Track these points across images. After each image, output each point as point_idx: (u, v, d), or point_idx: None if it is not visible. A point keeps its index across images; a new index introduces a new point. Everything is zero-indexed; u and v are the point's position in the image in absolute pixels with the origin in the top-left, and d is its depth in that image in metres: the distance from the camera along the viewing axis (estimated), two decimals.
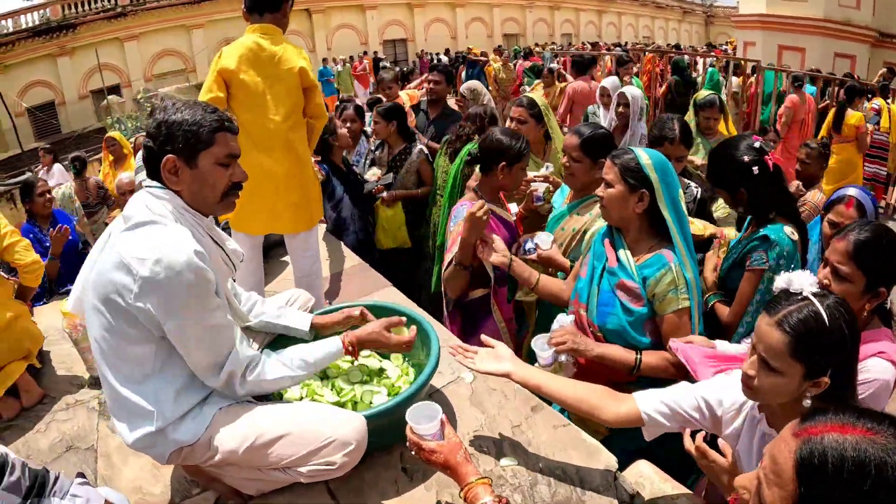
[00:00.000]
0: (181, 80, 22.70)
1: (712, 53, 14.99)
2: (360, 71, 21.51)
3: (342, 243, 4.58)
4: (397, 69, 11.90)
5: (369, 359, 2.43)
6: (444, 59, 22.29)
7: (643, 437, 1.92)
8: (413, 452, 1.79)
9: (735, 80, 10.01)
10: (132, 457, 2.34)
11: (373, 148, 5.02)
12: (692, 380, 1.97)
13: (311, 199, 3.45)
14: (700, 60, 11.65)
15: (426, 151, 4.64)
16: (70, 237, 4.53)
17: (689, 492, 2.03)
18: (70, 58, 24.59)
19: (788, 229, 2.41)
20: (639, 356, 2.22)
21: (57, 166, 8.65)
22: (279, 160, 3.20)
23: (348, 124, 4.91)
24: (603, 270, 2.36)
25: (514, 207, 3.26)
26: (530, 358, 2.39)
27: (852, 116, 7.25)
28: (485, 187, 3.00)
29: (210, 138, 1.81)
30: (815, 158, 4.48)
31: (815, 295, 1.46)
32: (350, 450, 1.86)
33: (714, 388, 1.81)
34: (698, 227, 2.82)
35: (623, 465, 2.15)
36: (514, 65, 13.47)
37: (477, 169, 3.06)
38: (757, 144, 2.47)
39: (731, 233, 2.84)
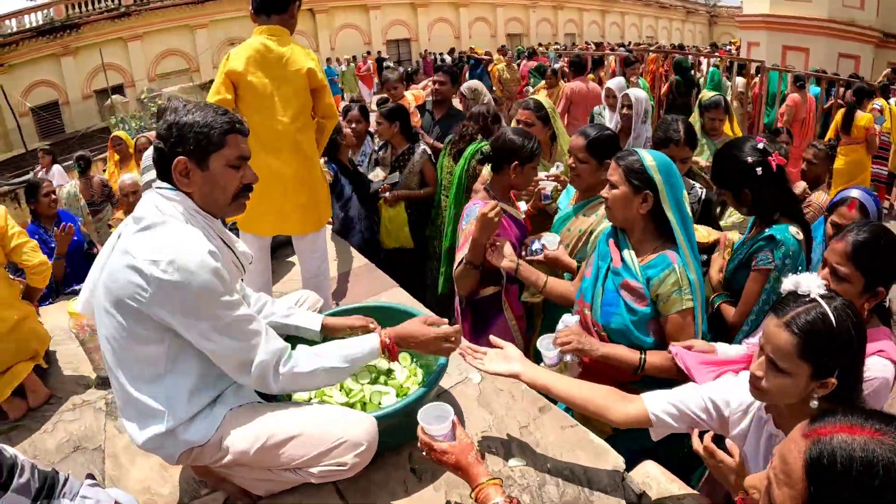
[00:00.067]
0: (185, 79, 22.79)
1: (716, 54, 14.94)
2: (364, 72, 21.52)
3: (349, 244, 4.59)
4: (401, 69, 11.88)
5: (378, 359, 2.43)
6: (448, 59, 22.30)
7: (646, 436, 1.93)
8: (424, 453, 1.79)
9: (740, 81, 9.99)
10: (140, 457, 2.34)
11: (376, 148, 5.03)
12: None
13: (320, 200, 3.45)
14: (704, 61, 11.62)
15: (429, 152, 4.65)
16: (75, 237, 4.53)
17: (696, 492, 2.04)
18: (74, 57, 24.67)
19: (793, 229, 2.43)
20: (643, 356, 2.23)
21: (56, 167, 8.56)
22: (287, 161, 3.20)
23: (353, 125, 4.93)
24: (607, 270, 2.37)
25: (522, 206, 3.27)
26: (536, 358, 2.40)
27: (862, 118, 7.26)
28: (496, 186, 3.02)
29: (221, 140, 1.82)
30: (822, 159, 4.47)
31: (822, 297, 1.48)
32: (361, 450, 1.86)
33: (721, 389, 1.82)
34: (702, 233, 2.83)
35: (626, 465, 2.16)
36: (518, 65, 13.48)
37: (485, 168, 3.07)
38: (761, 145, 2.48)
39: (734, 236, 2.85)
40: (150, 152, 3.64)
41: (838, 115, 7.60)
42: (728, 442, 1.65)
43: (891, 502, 0.96)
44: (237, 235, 3.06)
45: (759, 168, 2.42)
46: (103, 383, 2.91)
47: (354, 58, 24.07)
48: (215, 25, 26.95)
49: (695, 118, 4.71)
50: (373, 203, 4.65)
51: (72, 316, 2.83)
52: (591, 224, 2.88)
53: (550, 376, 2.03)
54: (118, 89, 22.77)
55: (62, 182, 7.60)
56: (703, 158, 4.32)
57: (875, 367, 1.88)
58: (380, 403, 2.22)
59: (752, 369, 1.56)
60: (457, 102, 5.76)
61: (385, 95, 6.51)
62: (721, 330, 2.57)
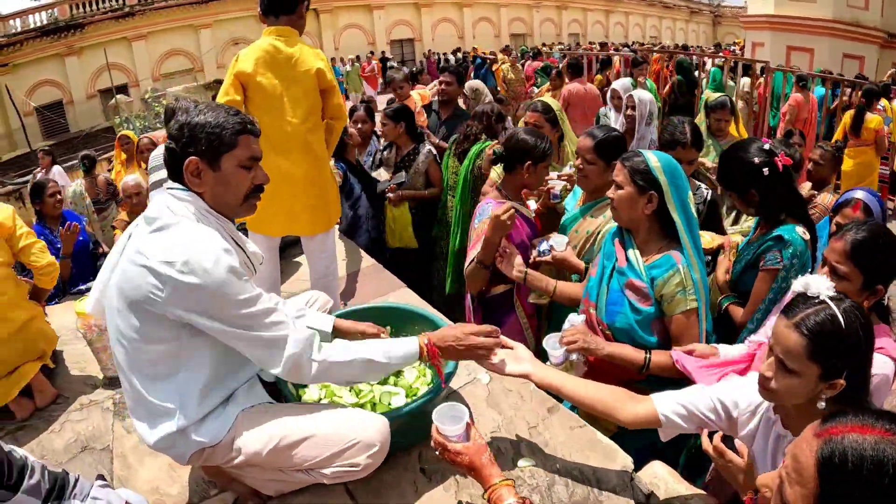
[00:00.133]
0: (189, 79, 22.80)
1: (720, 54, 14.91)
2: (369, 72, 21.53)
3: (356, 242, 4.61)
4: (405, 69, 11.89)
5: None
6: (452, 59, 22.31)
7: (651, 434, 1.95)
8: (437, 453, 1.79)
9: (746, 81, 9.98)
10: (148, 457, 2.35)
11: (381, 148, 5.05)
12: None
13: (329, 201, 3.45)
14: (708, 61, 11.59)
15: (434, 152, 4.65)
16: (81, 236, 4.54)
17: (703, 492, 2.05)
18: (78, 57, 24.74)
19: (800, 229, 2.44)
20: (648, 356, 2.24)
21: (56, 168, 8.57)
22: (297, 162, 3.20)
23: (359, 125, 4.94)
24: (612, 270, 2.39)
25: (532, 204, 3.28)
26: (543, 358, 2.41)
27: (872, 120, 7.24)
28: (509, 186, 3.04)
29: (233, 141, 1.81)
30: (829, 160, 4.47)
31: (831, 298, 1.49)
32: (374, 451, 1.86)
33: (730, 389, 1.83)
34: (707, 239, 2.84)
35: (634, 465, 2.17)
36: (523, 65, 13.47)
37: (494, 169, 3.08)
38: (767, 146, 2.49)
39: (737, 239, 2.86)
40: (157, 153, 3.66)
41: (846, 117, 7.57)
42: (737, 442, 1.66)
43: None
44: (246, 236, 3.07)
45: (766, 168, 2.43)
46: (111, 383, 2.91)
47: (358, 57, 24.10)
48: (219, 25, 26.93)
49: (700, 119, 4.71)
50: (380, 202, 4.66)
51: (79, 316, 2.83)
52: (598, 225, 2.89)
53: (560, 377, 2.03)
54: (122, 89, 22.86)
55: (63, 183, 7.61)
56: (708, 159, 4.31)
57: (875, 364, 1.88)
58: (389, 404, 2.23)
59: (762, 370, 1.57)
60: (462, 103, 5.77)
61: (393, 95, 6.53)
62: (729, 331, 2.58)
